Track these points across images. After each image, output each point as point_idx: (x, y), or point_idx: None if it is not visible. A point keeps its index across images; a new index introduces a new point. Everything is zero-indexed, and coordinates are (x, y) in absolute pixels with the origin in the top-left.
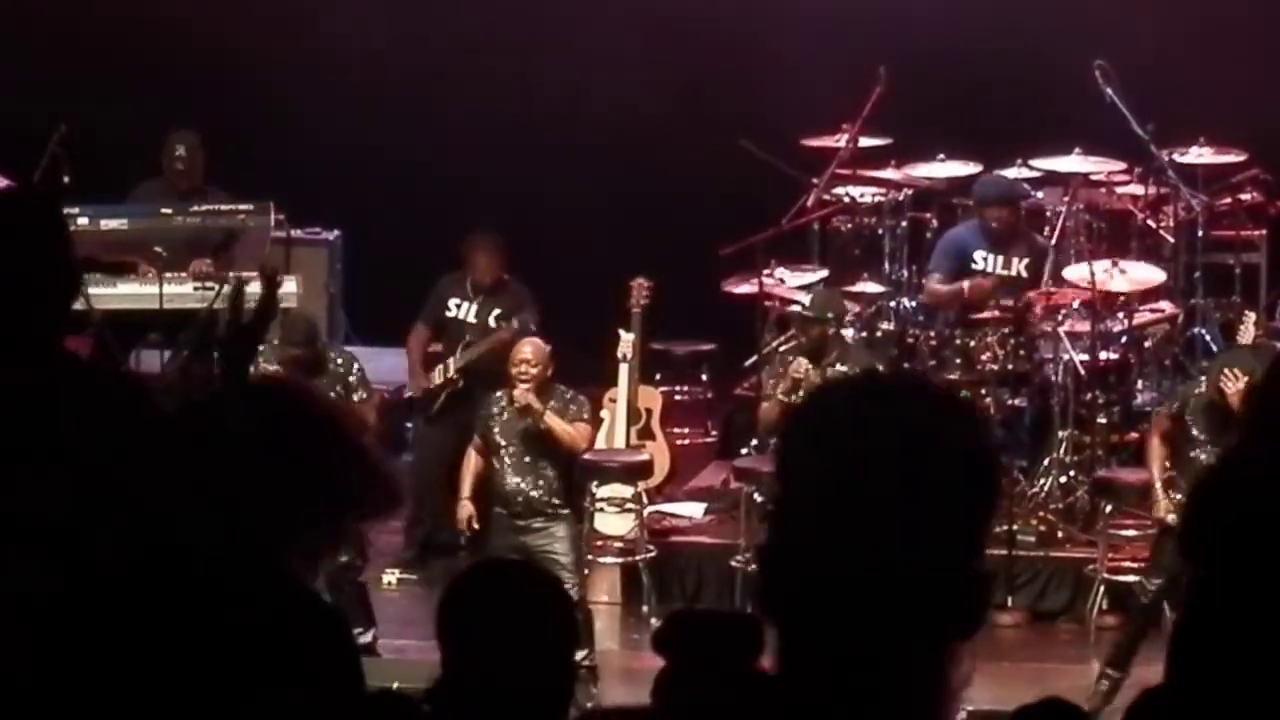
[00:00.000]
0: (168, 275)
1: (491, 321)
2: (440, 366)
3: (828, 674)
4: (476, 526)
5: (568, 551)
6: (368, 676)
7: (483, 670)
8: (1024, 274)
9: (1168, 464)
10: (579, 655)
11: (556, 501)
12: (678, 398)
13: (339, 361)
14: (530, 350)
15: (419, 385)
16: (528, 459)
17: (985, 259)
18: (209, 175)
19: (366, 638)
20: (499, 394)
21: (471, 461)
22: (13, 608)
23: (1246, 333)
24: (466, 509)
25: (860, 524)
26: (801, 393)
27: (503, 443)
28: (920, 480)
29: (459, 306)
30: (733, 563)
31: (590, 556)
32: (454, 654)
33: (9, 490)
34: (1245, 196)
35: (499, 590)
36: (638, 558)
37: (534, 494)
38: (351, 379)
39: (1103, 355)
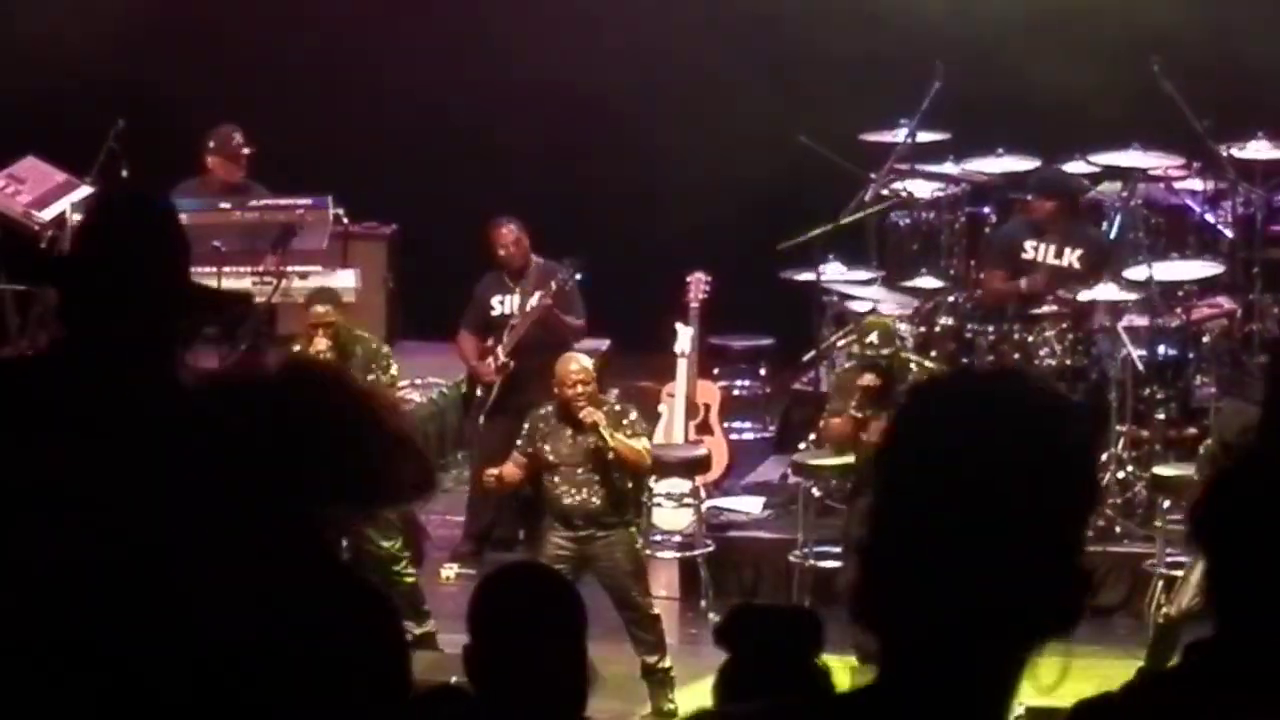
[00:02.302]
0: (226, 270)
1: (532, 304)
2: (490, 359)
3: (925, 674)
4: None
5: (630, 560)
6: (429, 671)
7: (503, 669)
8: (1076, 265)
9: None
10: (651, 660)
11: (616, 512)
12: (736, 392)
13: (371, 346)
14: (576, 367)
15: (480, 369)
16: (586, 474)
17: (1035, 248)
18: (252, 171)
19: (427, 627)
20: (547, 410)
21: (510, 472)
22: (42, 575)
23: None
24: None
25: (969, 525)
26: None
27: (556, 461)
28: (1025, 476)
29: (502, 303)
30: (790, 557)
31: (648, 551)
32: (479, 653)
33: (40, 463)
34: None
35: (515, 595)
36: (696, 552)
37: (594, 506)
38: (376, 363)
39: (1160, 350)
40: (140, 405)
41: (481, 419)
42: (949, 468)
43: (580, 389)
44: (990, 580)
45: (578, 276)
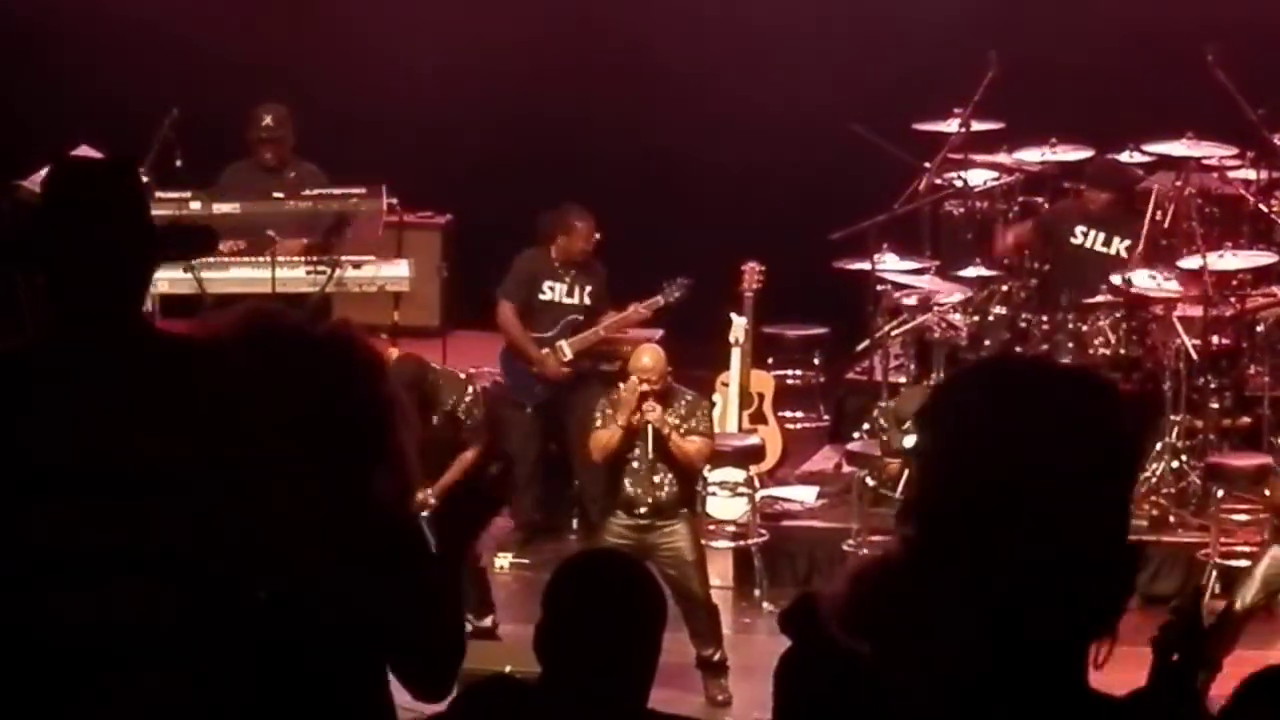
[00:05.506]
0: (280, 259)
1: (588, 300)
2: (548, 352)
3: (982, 651)
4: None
5: (692, 549)
6: (483, 661)
7: (577, 656)
8: (1124, 254)
9: None
10: (707, 651)
11: (680, 503)
12: (790, 382)
13: (452, 399)
14: (650, 359)
15: (548, 366)
16: (653, 464)
17: (1085, 234)
18: (300, 150)
19: (485, 622)
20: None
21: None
22: (141, 563)
23: None
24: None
25: (1023, 507)
26: None
27: (624, 448)
28: (1080, 462)
29: (552, 289)
30: (844, 546)
31: (702, 541)
32: (556, 642)
33: (116, 446)
34: None
35: (599, 581)
36: (750, 542)
37: (660, 496)
38: (460, 413)
39: (1214, 340)
40: (137, 366)
41: (529, 408)
42: (991, 449)
43: (648, 386)
44: (1037, 558)
45: (676, 295)
